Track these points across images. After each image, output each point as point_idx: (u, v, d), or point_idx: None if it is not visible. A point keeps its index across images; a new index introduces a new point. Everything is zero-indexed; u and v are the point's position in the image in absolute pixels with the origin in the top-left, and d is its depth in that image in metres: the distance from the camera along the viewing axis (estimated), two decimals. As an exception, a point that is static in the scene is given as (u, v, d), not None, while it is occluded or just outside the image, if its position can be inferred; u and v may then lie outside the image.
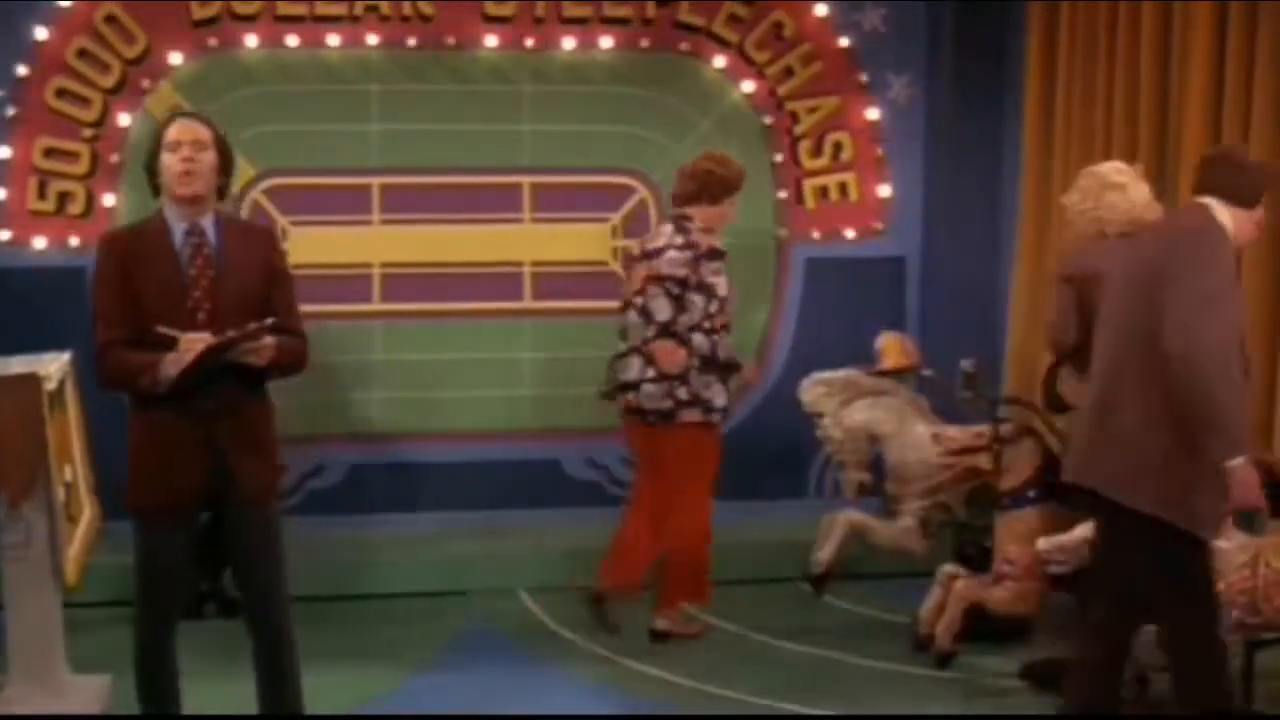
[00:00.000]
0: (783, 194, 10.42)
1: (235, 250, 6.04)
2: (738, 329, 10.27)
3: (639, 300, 8.28)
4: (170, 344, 5.80)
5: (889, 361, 8.63)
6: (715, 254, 8.27)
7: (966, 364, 8.85)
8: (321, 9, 9.88)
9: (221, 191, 6.13)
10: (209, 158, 6.00)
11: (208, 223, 6.02)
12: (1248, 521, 6.86)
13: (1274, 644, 6.87)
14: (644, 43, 10.23)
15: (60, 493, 6.56)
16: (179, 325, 5.83)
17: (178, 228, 5.99)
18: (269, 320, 5.89)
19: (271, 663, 6.20)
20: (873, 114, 10.45)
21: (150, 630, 6.16)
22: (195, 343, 5.79)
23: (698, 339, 8.16)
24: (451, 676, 7.68)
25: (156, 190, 6.07)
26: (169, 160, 5.97)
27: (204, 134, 6.02)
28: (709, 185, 8.36)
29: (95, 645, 6.91)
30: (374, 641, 8.24)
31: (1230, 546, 6.74)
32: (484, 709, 7.13)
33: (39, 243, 9.68)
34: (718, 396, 8.23)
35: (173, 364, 5.79)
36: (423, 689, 7.43)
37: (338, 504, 9.99)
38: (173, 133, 5.99)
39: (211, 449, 5.95)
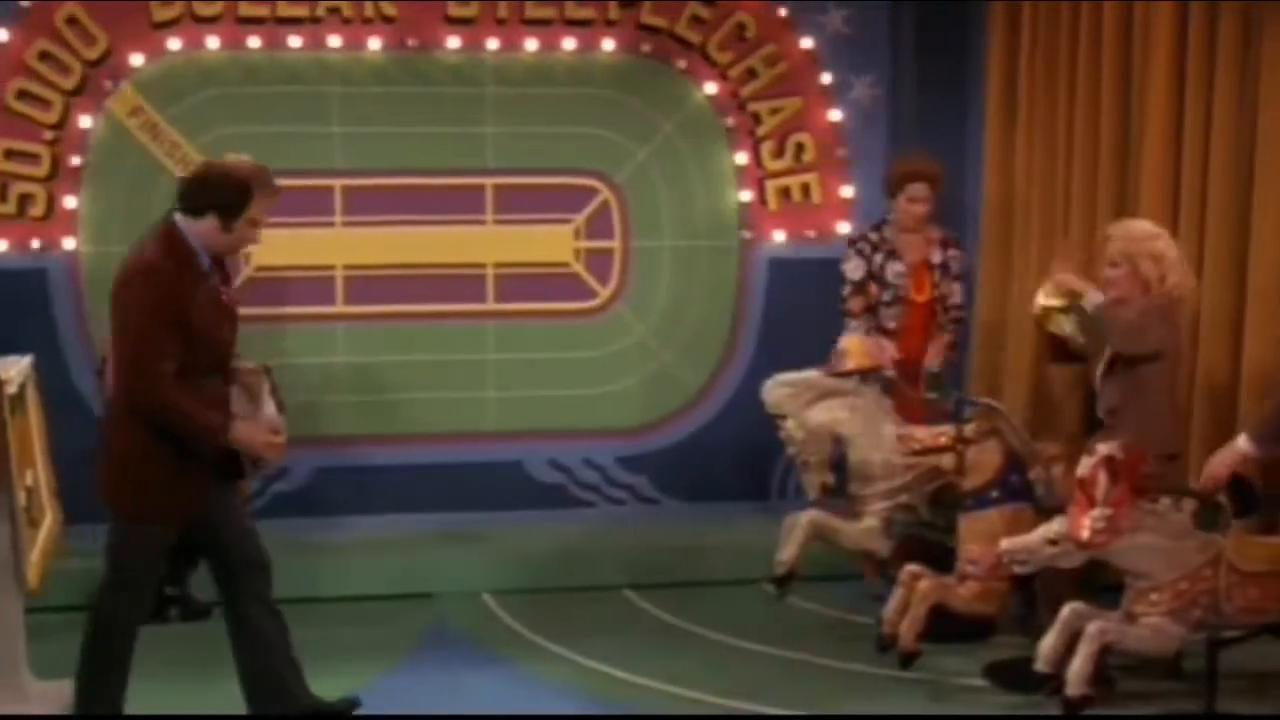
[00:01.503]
0: (746, 195, 10.42)
1: (225, 274, 6.35)
2: (701, 328, 10.40)
3: None
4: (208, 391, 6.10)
5: (851, 362, 8.63)
6: (848, 242, 9.37)
7: (932, 364, 8.90)
8: (283, 10, 9.86)
9: None
10: None
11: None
12: (1210, 520, 6.90)
13: (1236, 642, 6.91)
14: (606, 44, 10.23)
15: (21, 497, 6.54)
16: (216, 355, 6.15)
17: (204, 260, 6.17)
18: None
19: (277, 612, 6.47)
20: (835, 115, 10.47)
21: (124, 632, 6.26)
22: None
23: None
24: (415, 679, 7.66)
25: (201, 212, 6.12)
26: (249, 233, 6.21)
27: None
28: (884, 183, 9.26)
29: (58, 650, 6.87)
30: (338, 644, 8.22)
31: (1192, 545, 6.78)
32: (448, 711, 7.12)
33: (0, 245, 9.64)
34: None
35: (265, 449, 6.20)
36: (387, 691, 7.40)
37: (301, 507, 9.96)
38: (262, 210, 6.20)
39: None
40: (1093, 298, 7.45)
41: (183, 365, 6.00)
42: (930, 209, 9.08)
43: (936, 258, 9.12)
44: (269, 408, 6.33)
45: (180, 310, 6.00)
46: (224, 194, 6.13)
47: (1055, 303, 7.65)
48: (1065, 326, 7.64)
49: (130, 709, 6.42)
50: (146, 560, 6.28)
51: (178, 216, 6.16)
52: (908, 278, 9.09)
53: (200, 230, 6.11)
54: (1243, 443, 6.71)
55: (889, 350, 8.92)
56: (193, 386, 6.04)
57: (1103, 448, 6.70)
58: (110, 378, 8.47)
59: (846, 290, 9.15)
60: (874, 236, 9.16)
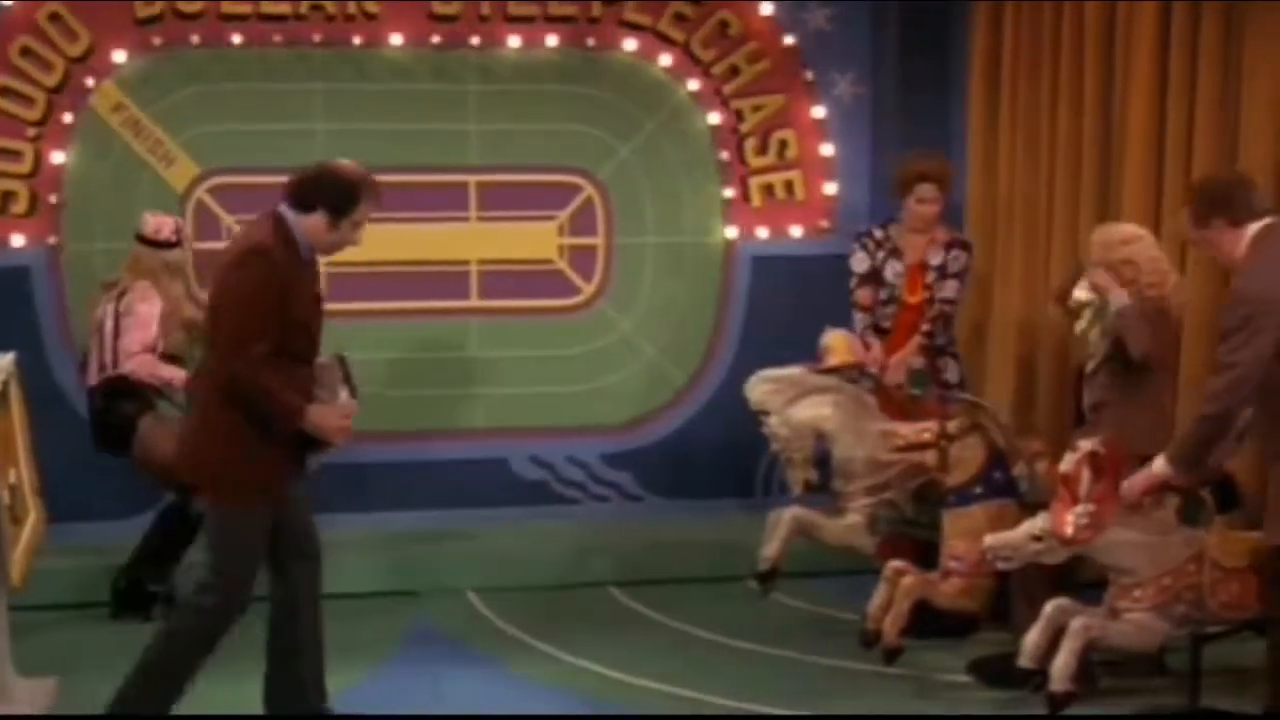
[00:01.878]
0: (729, 192, 10.43)
1: (316, 269, 6.51)
2: (685, 325, 10.42)
3: None
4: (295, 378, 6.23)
5: (834, 359, 8.64)
6: (854, 236, 9.28)
7: (914, 361, 8.89)
8: (266, 8, 9.85)
9: None
10: None
11: None
12: (1192, 515, 6.92)
13: (1220, 638, 6.93)
14: (590, 41, 10.23)
15: (4, 495, 6.53)
16: (308, 343, 6.33)
17: (305, 252, 6.34)
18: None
19: (316, 600, 6.65)
20: (819, 112, 10.48)
21: (229, 616, 6.31)
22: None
23: None
24: (401, 678, 7.65)
25: (311, 208, 6.28)
26: (351, 234, 6.39)
27: None
28: (894, 182, 9.17)
29: (41, 648, 6.87)
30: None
31: (1176, 541, 6.79)
32: (434, 710, 7.12)
33: (-17, 242, 9.64)
34: None
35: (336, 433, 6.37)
36: (371, 690, 7.40)
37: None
38: (369, 211, 6.40)
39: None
40: (1118, 299, 7.42)
41: (277, 349, 6.13)
42: (939, 209, 9.01)
43: (935, 259, 8.97)
44: (343, 394, 6.41)
45: (284, 295, 6.14)
46: (336, 193, 6.30)
47: (1085, 297, 7.62)
48: (1080, 323, 7.62)
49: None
50: (253, 545, 6.34)
51: (284, 209, 6.29)
52: (904, 278, 9.06)
53: (308, 225, 6.26)
54: (1160, 466, 6.53)
55: (875, 349, 8.92)
56: (282, 372, 6.16)
57: (1085, 444, 6.72)
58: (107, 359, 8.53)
59: (853, 282, 9.10)
60: (879, 234, 9.10)
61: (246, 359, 6.08)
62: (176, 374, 8.48)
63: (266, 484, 6.27)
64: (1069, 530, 6.61)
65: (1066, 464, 6.72)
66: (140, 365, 8.46)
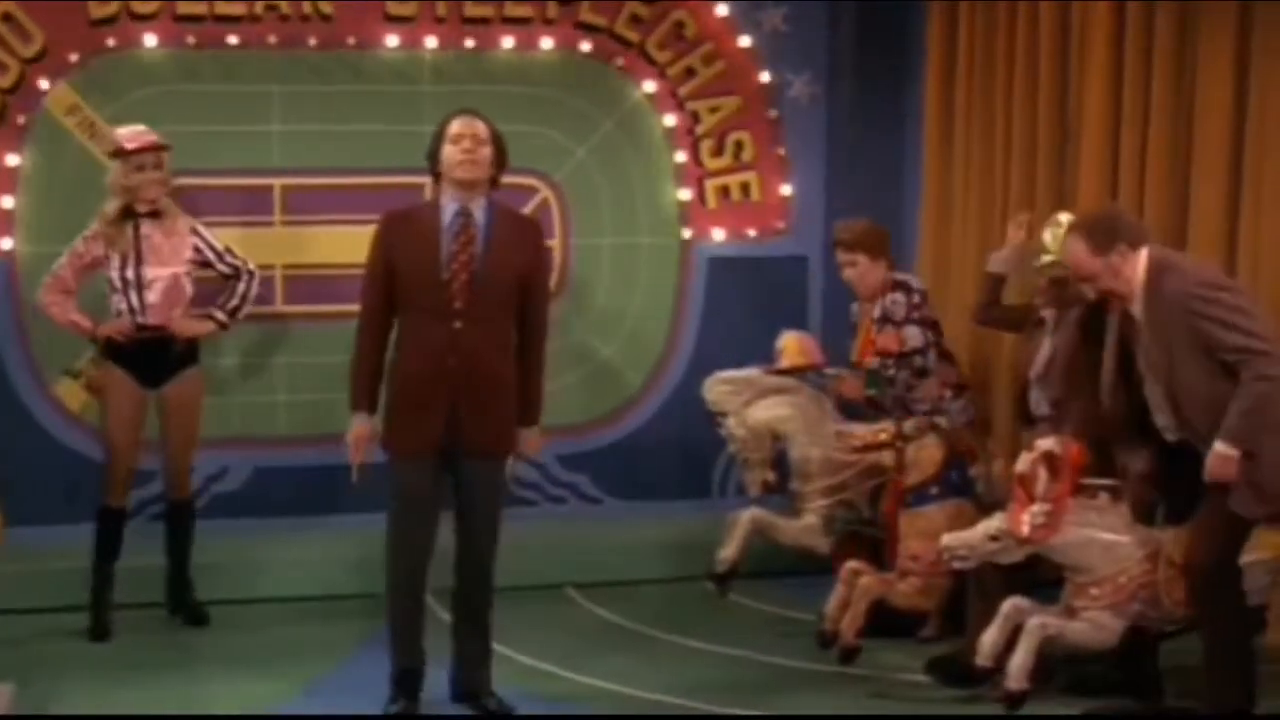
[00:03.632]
0: (685, 193, 10.43)
1: (503, 232, 6.98)
2: (642, 326, 10.41)
3: None
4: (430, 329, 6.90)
5: (788, 360, 8.66)
6: None
7: (871, 362, 8.91)
8: (221, 8, 9.77)
9: (494, 182, 7.07)
10: (487, 152, 6.95)
11: (478, 206, 6.96)
12: (1147, 514, 6.96)
13: (1175, 636, 6.97)
14: (545, 43, 10.22)
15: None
16: (434, 295, 6.85)
17: (449, 209, 6.95)
18: None
19: (470, 605, 7.35)
20: (774, 113, 10.50)
21: (405, 562, 7.23)
22: None
23: None
24: (356, 679, 7.62)
25: (437, 178, 7.05)
26: (450, 151, 6.91)
27: (483, 131, 6.96)
28: None
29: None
30: (280, 644, 8.21)
31: (1131, 540, 6.83)
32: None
33: (-62, 244, 9.58)
34: None
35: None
36: (326, 691, 7.39)
37: (242, 507, 9.90)
38: (455, 127, 6.95)
39: (450, 405, 6.95)
40: None
41: (409, 304, 6.98)
42: (862, 272, 8.75)
43: (877, 313, 8.70)
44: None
45: (388, 256, 7.02)
46: (430, 148, 7.05)
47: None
48: (1047, 255, 7.60)
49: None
50: (409, 484, 7.20)
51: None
52: (855, 349, 8.91)
53: (443, 183, 7.04)
54: (1225, 448, 6.39)
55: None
56: (411, 329, 7.01)
57: (1042, 443, 6.76)
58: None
59: None
60: (854, 313, 8.99)
61: (364, 313, 7.11)
62: (74, 321, 8.54)
63: (408, 443, 7.05)
64: (1025, 529, 6.66)
65: (1022, 464, 6.76)
66: (44, 292, 8.58)
